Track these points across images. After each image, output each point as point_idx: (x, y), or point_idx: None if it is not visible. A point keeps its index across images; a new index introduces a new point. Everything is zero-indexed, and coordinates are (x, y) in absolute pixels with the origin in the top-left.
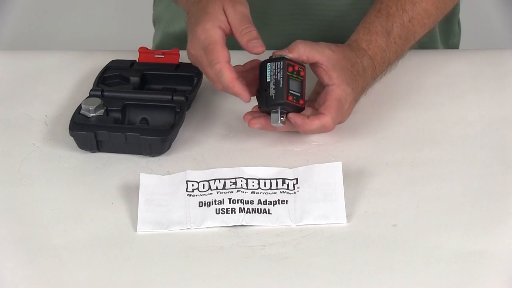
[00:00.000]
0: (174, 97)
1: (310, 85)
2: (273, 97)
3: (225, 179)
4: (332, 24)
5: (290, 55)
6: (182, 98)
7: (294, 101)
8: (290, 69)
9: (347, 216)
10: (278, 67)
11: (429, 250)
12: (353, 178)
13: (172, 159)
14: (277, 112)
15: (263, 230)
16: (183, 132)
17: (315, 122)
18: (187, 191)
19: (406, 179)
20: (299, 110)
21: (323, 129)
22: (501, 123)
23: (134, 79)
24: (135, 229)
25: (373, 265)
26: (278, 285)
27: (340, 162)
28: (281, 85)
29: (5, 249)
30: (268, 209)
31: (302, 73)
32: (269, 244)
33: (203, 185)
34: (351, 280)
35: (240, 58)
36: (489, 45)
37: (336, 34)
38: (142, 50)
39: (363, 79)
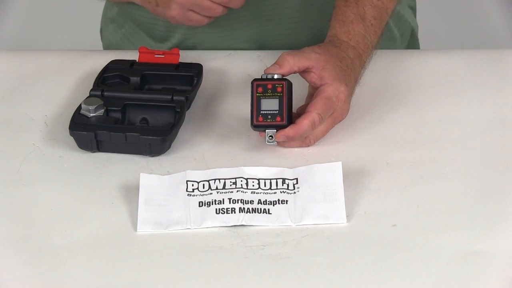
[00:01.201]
0: (174, 97)
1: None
2: (250, 121)
3: (225, 179)
4: (287, 24)
5: (280, 70)
6: (182, 98)
7: (269, 120)
8: (260, 89)
9: (347, 216)
10: (250, 90)
11: (429, 250)
12: (353, 178)
13: (172, 159)
14: (264, 134)
15: (263, 230)
16: (183, 132)
17: (304, 122)
18: (187, 191)
19: (406, 179)
20: (280, 127)
21: (313, 126)
22: (501, 123)
23: (134, 79)
24: (135, 229)
25: (373, 265)
26: (278, 285)
27: (340, 162)
28: (250, 108)
29: (5, 249)
30: (268, 209)
31: (279, 89)
32: (269, 244)
33: (203, 185)
34: (351, 280)
35: (242, 58)
36: (489, 45)
37: (294, 33)
38: (142, 50)
39: (354, 70)
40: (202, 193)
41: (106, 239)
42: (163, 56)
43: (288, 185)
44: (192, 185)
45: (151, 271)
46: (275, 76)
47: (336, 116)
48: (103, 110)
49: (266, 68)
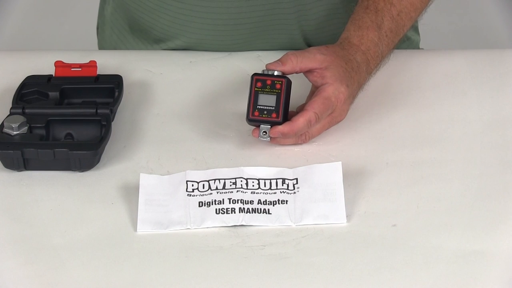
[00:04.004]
0: (99, 111)
1: (306, 91)
2: (246, 115)
3: (225, 179)
4: (310, 33)
5: (281, 67)
6: (107, 111)
7: (264, 115)
8: (260, 84)
9: (347, 216)
10: (250, 83)
11: (429, 250)
12: (353, 178)
13: (172, 159)
14: (257, 128)
15: (263, 230)
16: (183, 132)
17: (300, 120)
18: (187, 191)
19: (406, 179)
20: (275, 124)
21: (309, 125)
22: (501, 123)
23: (53, 94)
24: (135, 229)
25: (373, 265)
26: (278, 285)
27: (340, 162)
28: (247, 102)
29: (5, 249)
30: (268, 209)
31: (278, 86)
32: (269, 244)
33: (203, 185)
34: (351, 280)
35: (242, 58)
36: (489, 45)
37: (315, 42)
38: (58, 64)
39: (358, 74)
40: (202, 193)
41: (106, 239)
42: (80, 69)
43: (288, 185)
44: (192, 185)
45: (151, 271)
46: (275, 73)
47: (335, 116)
48: (26, 127)
49: (268, 63)
